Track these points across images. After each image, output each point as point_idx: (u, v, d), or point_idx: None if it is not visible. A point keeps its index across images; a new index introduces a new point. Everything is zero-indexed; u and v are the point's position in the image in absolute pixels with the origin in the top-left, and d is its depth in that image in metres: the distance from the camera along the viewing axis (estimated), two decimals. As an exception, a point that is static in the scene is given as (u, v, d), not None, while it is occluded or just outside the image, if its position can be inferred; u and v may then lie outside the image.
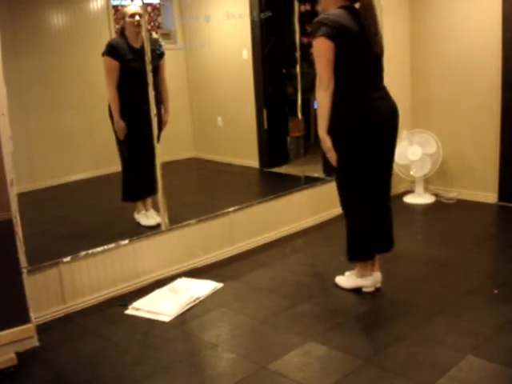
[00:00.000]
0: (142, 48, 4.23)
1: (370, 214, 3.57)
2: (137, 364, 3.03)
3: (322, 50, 3.23)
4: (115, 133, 4.45)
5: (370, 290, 3.69)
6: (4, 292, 2.97)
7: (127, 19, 4.36)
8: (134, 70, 4.33)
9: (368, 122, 3.37)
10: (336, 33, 3.21)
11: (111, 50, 4.36)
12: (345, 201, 3.61)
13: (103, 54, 4.34)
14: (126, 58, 4.36)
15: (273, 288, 3.89)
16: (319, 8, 3.51)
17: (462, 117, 5.57)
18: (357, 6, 3.34)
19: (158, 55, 4.47)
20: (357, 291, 3.71)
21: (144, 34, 4.14)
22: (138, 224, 4.51)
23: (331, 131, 3.38)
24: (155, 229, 4.23)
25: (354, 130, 3.37)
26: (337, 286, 3.80)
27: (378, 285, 3.73)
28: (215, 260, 4.44)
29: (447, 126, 5.67)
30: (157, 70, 4.40)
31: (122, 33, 4.45)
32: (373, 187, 3.57)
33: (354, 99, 3.35)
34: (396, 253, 4.28)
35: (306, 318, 3.44)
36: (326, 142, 3.38)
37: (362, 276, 3.68)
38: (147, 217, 4.53)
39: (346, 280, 3.78)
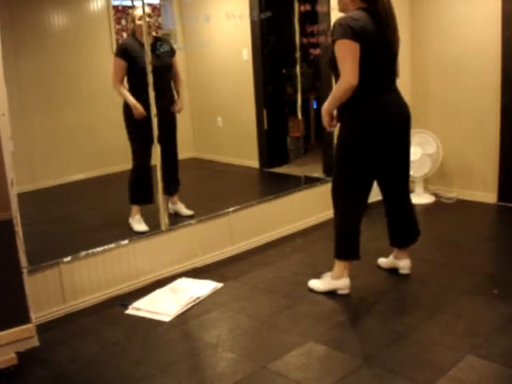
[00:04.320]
0: (154, 44, 4.42)
1: (361, 215, 3.64)
2: (137, 364, 3.03)
3: (350, 50, 3.21)
4: (128, 134, 4.47)
5: (345, 292, 3.68)
6: (4, 292, 2.97)
7: (137, 21, 4.46)
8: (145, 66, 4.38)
9: (380, 127, 3.42)
10: (359, 34, 3.21)
11: (120, 51, 4.48)
12: (338, 198, 3.64)
13: (115, 55, 4.46)
14: (136, 56, 4.42)
15: (273, 288, 3.89)
16: (338, 10, 3.52)
17: (461, 117, 5.57)
18: (374, 5, 3.32)
19: (169, 54, 4.63)
20: (357, 291, 3.72)
21: (145, 33, 4.15)
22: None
23: (342, 131, 3.50)
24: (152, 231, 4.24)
25: (365, 134, 3.42)
26: (311, 290, 3.78)
27: (407, 271, 3.93)
28: (215, 260, 4.44)
29: (447, 126, 5.67)
30: (170, 67, 4.58)
31: (133, 34, 4.56)
32: (386, 189, 3.76)
33: (368, 103, 3.39)
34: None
35: (306, 317, 3.44)
36: (326, 117, 3.50)
37: (337, 278, 3.68)
38: (140, 221, 4.51)
39: (320, 283, 3.77)
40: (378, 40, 3.31)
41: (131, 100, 4.38)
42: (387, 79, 3.48)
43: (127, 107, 4.43)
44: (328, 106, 3.45)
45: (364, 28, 3.24)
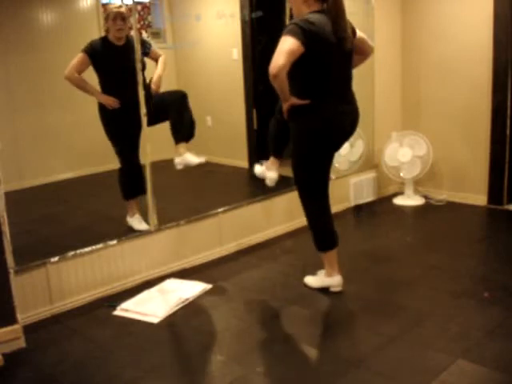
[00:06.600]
0: (126, 46, 4.22)
1: (327, 210, 3.70)
2: (124, 366, 3.00)
3: (291, 47, 3.13)
4: (106, 133, 4.40)
5: (337, 289, 3.72)
6: (-10, 292, 2.94)
7: (110, 21, 4.29)
8: (116, 68, 4.30)
9: (331, 135, 3.46)
10: (310, 40, 3.16)
11: (89, 49, 4.26)
12: (305, 200, 3.69)
13: (82, 51, 4.26)
14: (104, 57, 4.29)
15: (262, 289, 3.86)
16: (293, 14, 3.43)
17: (452, 119, 5.57)
18: (327, 5, 3.27)
19: (143, 54, 4.43)
20: (347, 294, 3.71)
21: (134, 33, 4.09)
22: (129, 226, 4.43)
23: (295, 136, 3.50)
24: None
25: (316, 140, 3.44)
26: (305, 285, 3.84)
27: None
28: (204, 261, 4.41)
29: (437, 128, 5.67)
30: (144, 68, 4.38)
31: (106, 33, 4.38)
32: (324, 186, 3.68)
33: (322, 111, 3.38)
34: (385, 255, 4.30)
35: (295, 320, 3.42)
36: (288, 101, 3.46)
37: (329, 275, 3.72)
38: (140, 221, 4.46)
39: (314, 280, 3.84)
40: (333, 43, 3.25)
41: (94, 91, 4.27)
42: (343, 85, 3.45)
43: (102, 109, 4.35)
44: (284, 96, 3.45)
45: (319, 33, 3.19)
